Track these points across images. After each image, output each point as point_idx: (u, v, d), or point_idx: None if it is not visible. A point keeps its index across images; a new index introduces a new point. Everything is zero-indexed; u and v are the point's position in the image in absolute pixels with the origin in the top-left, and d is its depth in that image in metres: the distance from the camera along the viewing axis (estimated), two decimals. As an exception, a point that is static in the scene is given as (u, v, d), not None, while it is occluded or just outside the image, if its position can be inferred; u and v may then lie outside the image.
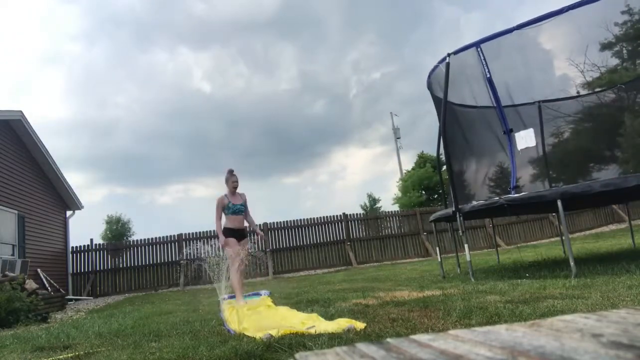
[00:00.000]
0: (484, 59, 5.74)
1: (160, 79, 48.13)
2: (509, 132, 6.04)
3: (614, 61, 6.75)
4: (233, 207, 4.76)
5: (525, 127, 6.18)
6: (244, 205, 4.88)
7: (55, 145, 44.02)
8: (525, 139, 5.91)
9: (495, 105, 6.34)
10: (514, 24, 5.25)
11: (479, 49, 5.67)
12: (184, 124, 46.71)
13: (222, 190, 4.89)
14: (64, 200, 12.83)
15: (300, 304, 4.21)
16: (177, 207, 43.38)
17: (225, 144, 46.06)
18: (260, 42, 51.16)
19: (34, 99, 48.58)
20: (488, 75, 5.77)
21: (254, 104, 47.53)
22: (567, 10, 4.96)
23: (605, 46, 6.46)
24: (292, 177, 48.53)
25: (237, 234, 4.75)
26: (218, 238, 4.82)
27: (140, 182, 44.73)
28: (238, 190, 4.87)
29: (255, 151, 45.51)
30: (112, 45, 50.59)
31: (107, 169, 42.73)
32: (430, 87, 6.35)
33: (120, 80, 48.59)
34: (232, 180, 4.79)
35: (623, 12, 6.27)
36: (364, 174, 47.22)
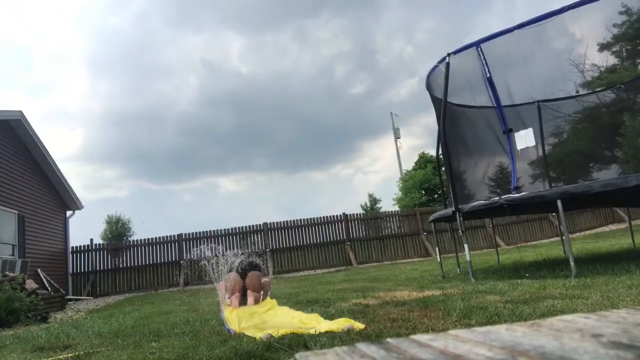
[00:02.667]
0: (484, 59, 5.74)
1: (201, 64, 44.94)
2: (509, 132, 6.03)
3: (614, 60, 6.76)
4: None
5: (525, 127, 6.18)
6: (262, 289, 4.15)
7: (84, 138, 42.42)
8: (525, 138, 5.91)
9: (495, 105, 6.34)
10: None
11: (479, 49, 5.67)
12: (224, 112, 44.44)
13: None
14: (64, 200, 12.83)
15: (300, 304, 4.21)
16: (205, 203, 42.06)
17: (267, 137, 42.97)
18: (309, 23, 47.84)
19: (63, 88, 46.33)
20: (488, 75, 5.76)
21: (299, 91, 44.86)
22: (567, 10, 4.96)
23: (604, 46, 6.46)
24: (320, 172, 45.91)
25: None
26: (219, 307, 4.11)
27: (168, 178, 43.30)
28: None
29: (291, 145, 43.22)
30: (149, 30, 47.95)
31: (136, 163, 41.76)
32: (429, 87, 6.34)
33: (158, 66, 45.71)
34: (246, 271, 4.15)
35: (621, 12, 6.28)
36: (387, 171, 45.64)
